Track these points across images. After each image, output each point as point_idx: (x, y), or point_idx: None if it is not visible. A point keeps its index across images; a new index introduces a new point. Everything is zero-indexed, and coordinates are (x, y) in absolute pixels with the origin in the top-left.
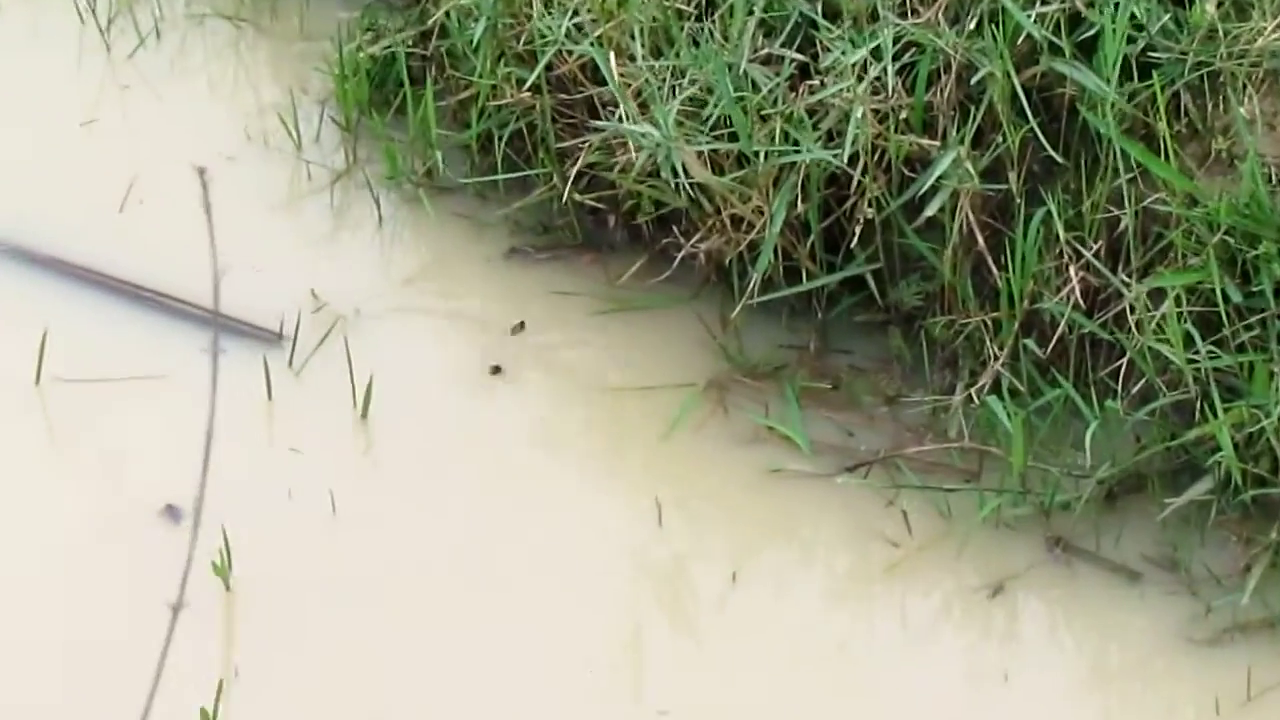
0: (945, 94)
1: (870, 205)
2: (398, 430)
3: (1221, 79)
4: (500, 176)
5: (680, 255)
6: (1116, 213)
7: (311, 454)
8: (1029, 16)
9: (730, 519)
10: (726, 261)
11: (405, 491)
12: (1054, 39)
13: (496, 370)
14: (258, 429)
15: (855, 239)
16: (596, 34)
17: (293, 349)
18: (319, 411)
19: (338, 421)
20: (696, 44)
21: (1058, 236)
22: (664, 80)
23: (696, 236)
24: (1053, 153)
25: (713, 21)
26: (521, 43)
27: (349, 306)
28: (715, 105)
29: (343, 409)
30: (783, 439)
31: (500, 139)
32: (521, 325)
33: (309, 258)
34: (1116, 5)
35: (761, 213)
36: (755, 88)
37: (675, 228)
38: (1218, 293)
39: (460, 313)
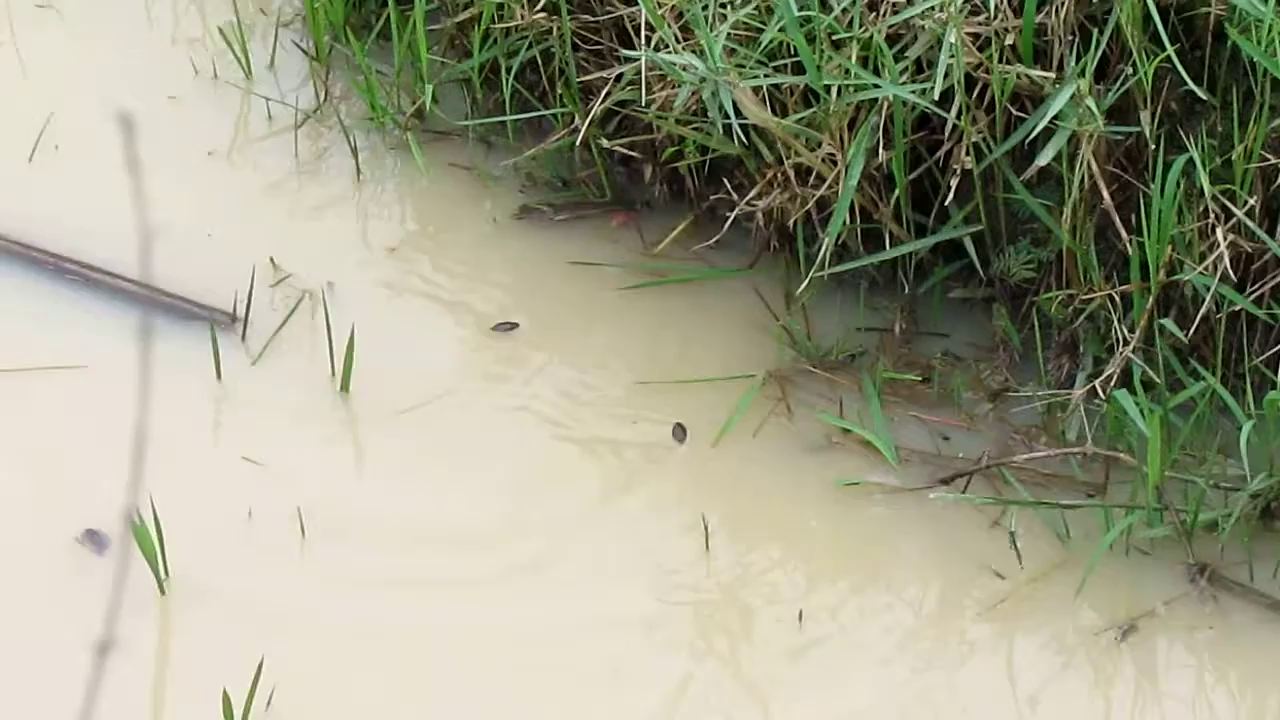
0: (1061, 14)
1: (968, 153)
2: (377, 433)
3: None
4: (509, 118)
5: (733, 216)
6: (1275, 161)
7: (273, 462)
8: None
9: (795, 545)
10: (791, 223)
11: (388, 508)
12: None
13: (503, 360)
14: (204, 430)
15: (950, 195)
16: None
17: (244, 330)
18: (280, 408)
19: (304, 421)
20: None
21: (1202, 191)
22: None
23: (753, 192)
24: (1195, 87)
25: None
26: None
27: (319, 280)
28: (775, 28)
29: (310, 405)
30: (860, 444)
31: (509, 71)
32: (512, 325)
33: (269, 219)
34: None
35: (834, 163)
36: (825, 6)
37: (726, 181)
38: None
39: (458, 289)
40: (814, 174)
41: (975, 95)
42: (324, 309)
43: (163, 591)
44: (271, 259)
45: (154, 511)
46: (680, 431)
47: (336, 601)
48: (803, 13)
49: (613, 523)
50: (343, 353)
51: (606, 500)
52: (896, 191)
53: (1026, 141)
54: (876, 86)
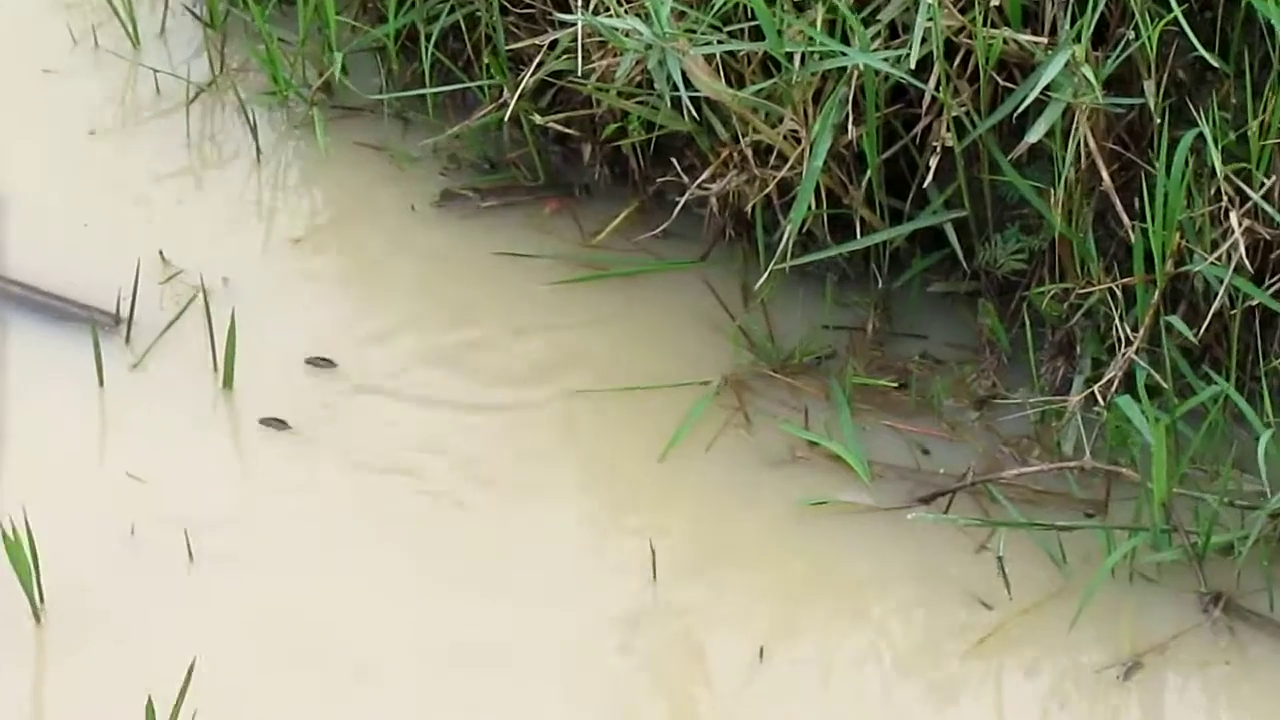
0: None
1: (949, 129)
2: (279, 449)
3: None
4: (429, 90)
5: (683, 201)
6: None
7: (158, 476)
8: None
9: (755, 572)
10: (749, 209)
11: (289, 530)
12: None
13: (417, 363)
14: (83, 443)
15: (929, 177)
16: None
17: (129, 332)
18: (168, 417)
19: (193, 433)
20: None
21: (1213, 170)
22: None
23: (706, 174)
24: (1205, 53)
25: None
26: None
27: (213, 275)
28: None
29: (200, 416)
30: (828, 459)
31: (428, 38)
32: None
33: (157, 207)
34: None
35: (798, 140)
36: None
37: (676, 162)
38: None
39: (371, 284)
40: (775, 153)
41: (957, 63)
42: (206, 307)
43: (38, 620)
44: (160, 252)
45: (28, 531)
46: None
47: (228, 631)
48: None
49: (542, 549)
50: (236, 358)
51: (534, 523)
52: (868, 172)
53: (1015, 115)
54: (844, 54)
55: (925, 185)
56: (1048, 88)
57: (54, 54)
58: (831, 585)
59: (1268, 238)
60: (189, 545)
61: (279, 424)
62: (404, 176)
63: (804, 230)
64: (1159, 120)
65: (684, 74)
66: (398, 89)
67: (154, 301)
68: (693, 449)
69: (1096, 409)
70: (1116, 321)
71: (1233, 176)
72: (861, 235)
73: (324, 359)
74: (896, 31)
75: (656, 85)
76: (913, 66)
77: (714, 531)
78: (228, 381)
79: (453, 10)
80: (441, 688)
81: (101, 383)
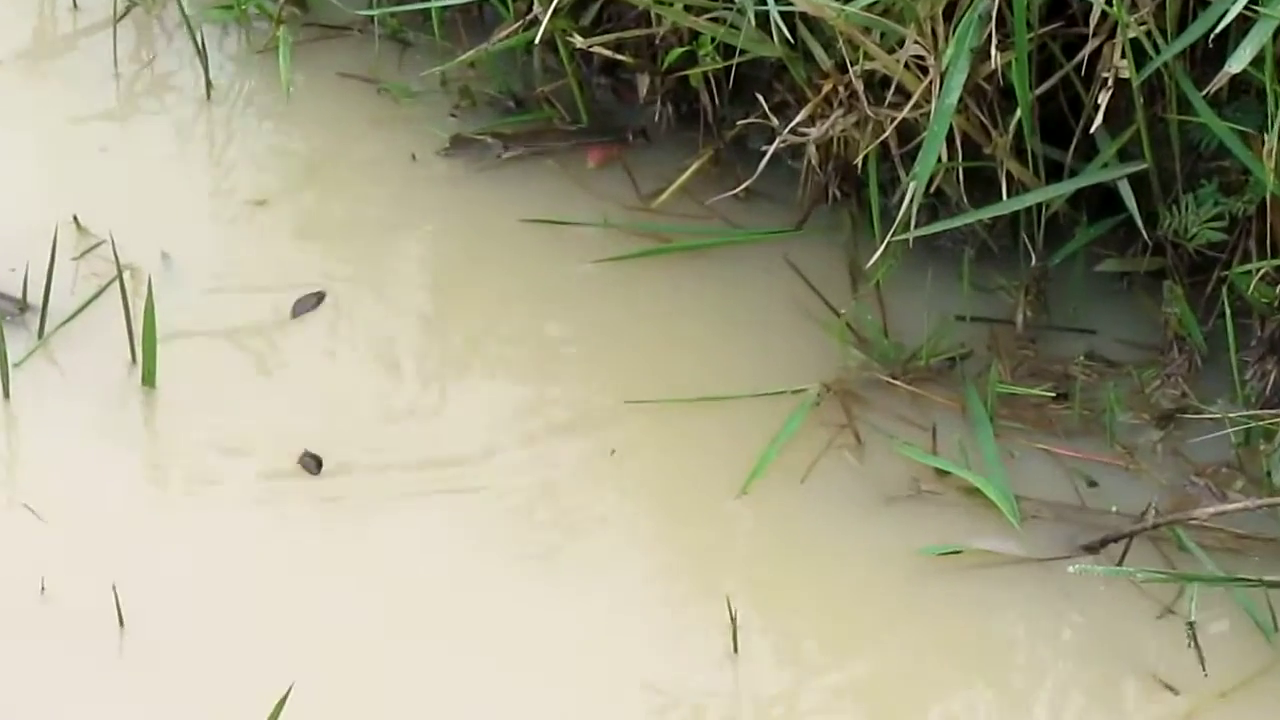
0: None
1: (1126, 55)
2: (223, 468)
3: None
4: (434, 2)
5: (771, 150)
6: None
7: (77, 516)
8: None
9: (864, 644)
10: (859, 162)
11: (226, 584)
12: None
13: (423, 366)
14: None
15: (1099, 118)
16: None
17: (43, 318)
18: (82, 423)
19: (115, 439)
20: None
21: None
22: None
23: (802, 114)
24: None
25: None
26: None
27: (147, 247)
28: None
29: (125, 419)
30: (964, 493)
31: None
32: (318, 298)
33: (74, 160)
34: None
35: (925, 70)
36: None
37: (762, 99)
38: None
39: (358, 259)
40: (894, 87)
41: None
42: (123, 292)
43: None
44: (75, 218)
45: None
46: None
47: None
48: None
49: (587, 614)
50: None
51: (577, 582)
52: (1018, 113)
53: (1212, 36)
54: None
55: (1093, 130)
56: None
57: None
58: (966, 661)
59: None
60: (118, 606)
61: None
62: (401, 117)
63: (932, 190)
64: None
65: None
66: (392, 2)
67: (68, 280)
68: (784, 480)
69: None
70: None
71: None
72: (1008, 196)
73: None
74: None
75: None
76: None
77: (811, 590)
78: (147, 379)
79: None
80: None
81: (6, 393)
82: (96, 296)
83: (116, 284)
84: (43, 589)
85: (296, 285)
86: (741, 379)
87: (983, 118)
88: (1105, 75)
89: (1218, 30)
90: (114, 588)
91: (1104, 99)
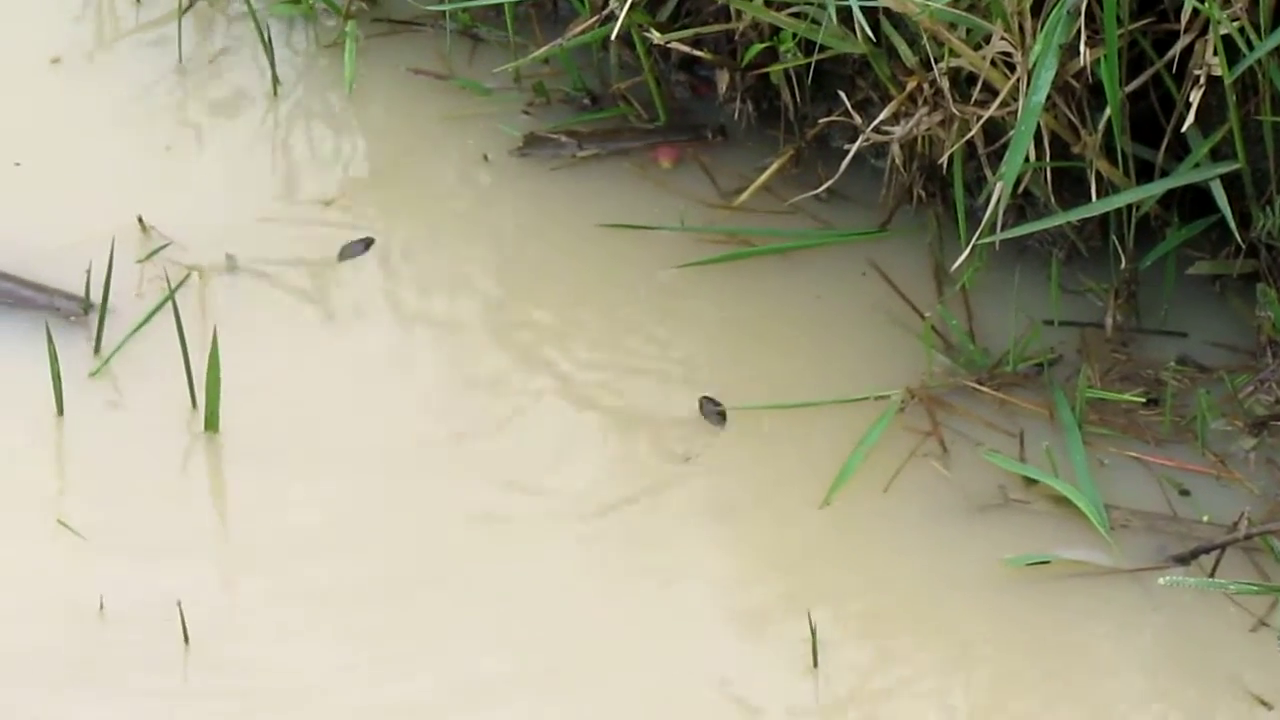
0: None
1: (1218, 51)
2: (285, 484)
3: None
4: None
5: (854, 149)
6: None
7: (128, 544)
8: None
9: (950, 657)
10: (944, 161)
11: (297, 605)
12: None
13: (494, 380)
14: (35, 472)
15: (1190, 116)
16: None
17: (99, 327)
18: (139, 458)
19: (176, 459)
20: None
21: None
22: None
23: (885, 112)
24: None
25: None
26: None
27: (212, 250)
28: None
29: (180, 456)
30: (1053, 501)
31: None
32: (367, 243)
33: (138, 158)
34: None
35: (1012, 67)
36: None
37: (845, 96)
38: None
39: (430, 263)
40: (980, 84)
41: None
42: (186, 302)
43: None
44: (140, 219)
45: None
46: (717, 419)
47: None
48: None
49: (666, 625)
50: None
51: (654, 592)
52: (1108, 111)
53: None
54: None
55: (1184, 129)
56: None
57: None
58: (1054, 674)
59: None
60: (183, 621)
61: None
62: (474, 115)
63: (1020, 190)
64: None
65: None
66: None
67: (130, 286)
68: (867, 489)
69: None
70: None
71: None
72: (1098, 197)
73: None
74: None
75: None
76: None
77: (895, 602)
78: (211, 424)
79: None
80: None
81: (60, 409)
82: (159, 308)
83: (183, 290)
84: (101, 607)
85: (363, 286)
86: (823, 384)
87: (1071, 116)
88: (1197, 72)
89: None
90: (179, 604)
91: (1195, 97)
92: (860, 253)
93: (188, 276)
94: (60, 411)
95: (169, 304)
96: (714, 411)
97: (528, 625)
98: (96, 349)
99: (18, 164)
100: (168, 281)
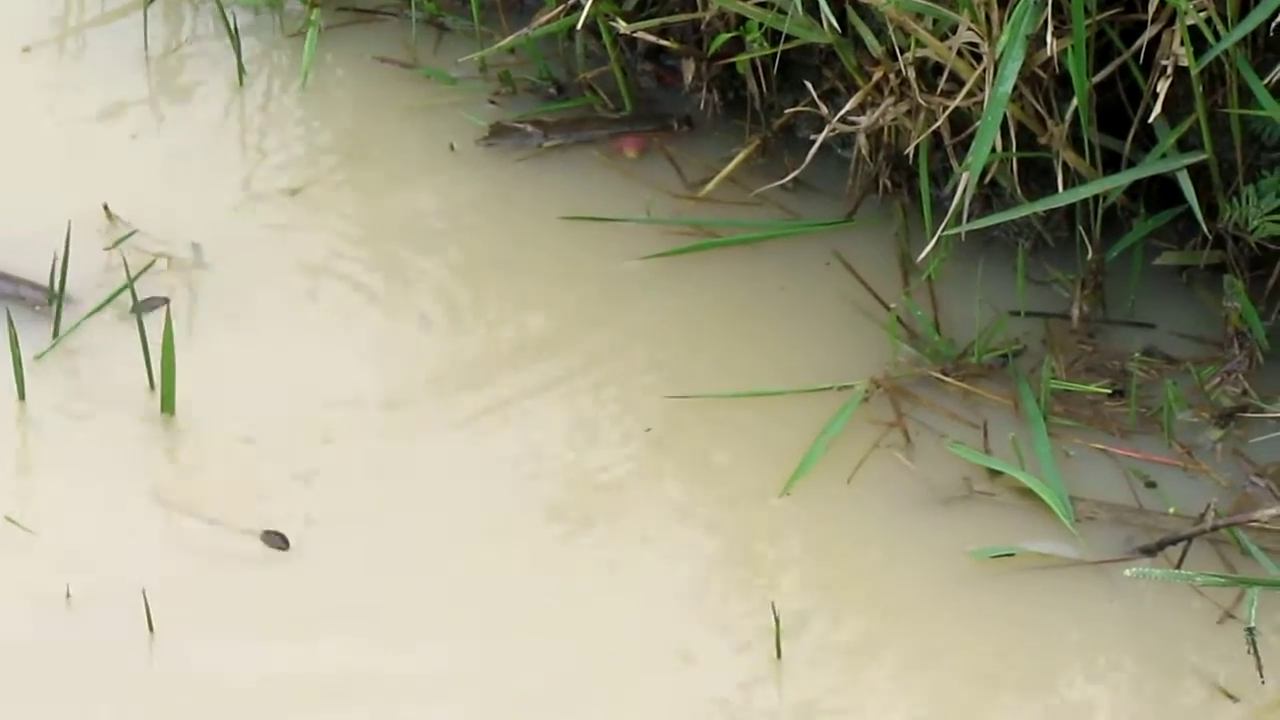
0: None
1: (1185, 42)
2: (250, 488)
3: None
4: None
5: (820, 139)
6: None
7: (84, 532)
8: None
9: (912, 647)
10: (910, 151)
11: (255, 610)
12: None
13: (456, 371)
14: None
15: (1157, 107)
16: None
17: (57, 315)
18: (102, 446)
19: (142, 458)
20: None
21: None
22: None
23: (852, 102)
24: None
25: None
26: None
27: (179, 239)
28: None
29: (154, 432)
30: (1018, 493)
31: None
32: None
33: (106, 146)
34: None
35: (978, 57)
36: None
37: (811, 86)
38: None
39: (392, 252)
40: (946, 74)
41: None
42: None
43: None
44: (105, 207)
45: None
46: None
47: None
48: None
49: (628, 613)
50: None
51: (618, 580)
52: (1075, 101)
53: (1275, 22)
54: None
55: (1151, 120)
56: None
57: None
58: (1019, 667)
59: None
60: (149, 618)
61: (279, 540)
62: (440, 104)
63: (986, 181)
64: None
65: None
66: None
67: (96, 273)
68: (829, 479)
69: None
70: None
71: None
72: (1065, 188)
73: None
74: None
75: None
76: None
77: (858, 593)
78: (167, 406)
79: None
80: None
81: (21, 394)
82: (117, 294)
83: (148, 277)
84: (68, 595)
85: (328, 276)
86: (787, 374)
87: (1038, 106)
88: (1164, 63)
89: None
90: (144, 593)
91: (1163, 87)
92: (826, 243)
93: (152, 263)
94: (21, 396)
95: (138, 283)
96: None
97: (483, 609)
98: (55, 333)
99: (11, 168)
100: (126, 269)
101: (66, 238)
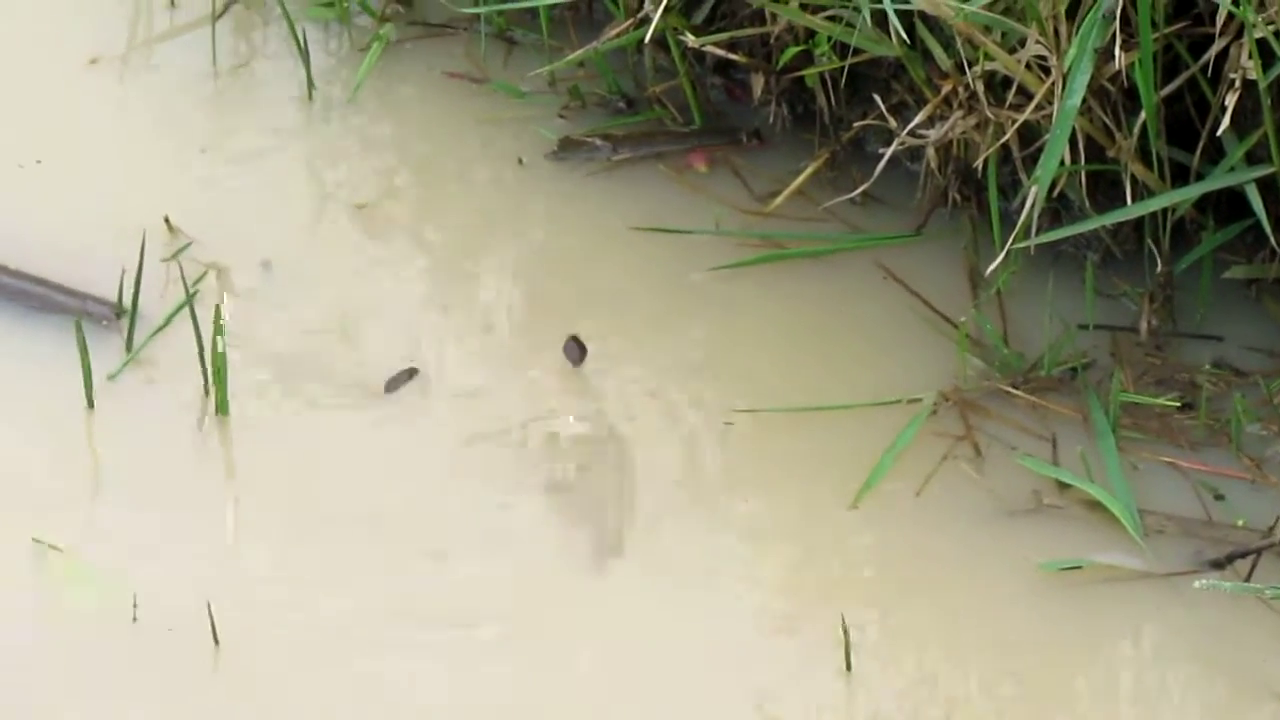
0: None
1: (1254, 55)
2: (320, 512)
3: None
4: (541, 1)
5: (889, 153)
6: None
7: (155, 546)
8: None
9: (983, 661)
10: (979, 165)
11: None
12: None
13: (527, 380)
14: (67, 475)
15: (1226, 119)
16: None
17: (130, 328)
18: (166, 456)
19: (201, 454)
20: None
21: None
22: None
23: (921, 116)
24: None
25: None
26: None
27: (245, 253)
28: None
29: (207, 438)
30: (1086, 506)
31: None
32: (411, 373)
33: (172, 159)
34: None
35: (1047, 70)
36: None
37: (880, 100)
38: None
39: (462, 265)
40: (1015, 88)
41: None
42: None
43: None
44: (167, 219)
45: None
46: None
47: None
48: None
49: (694, 630)
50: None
51: (683, 596)
52: (1143, 115)
53: None
54: None
55: (1220, 132)
56: None
57: None
58: (1088, 679)
59: None
60: (213, 629)
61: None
62: (509, 118)
63: (1055, 194)
64: None
65: None
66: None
67: (158, 286)
68: (898, 492)
69: None
70: None
71: None
72: (1133, 200)
73: (407, 370)
74: None
75: None
76: None
77: (927, 606)
78: (221, 408)
79: None
80: None
81: (90, 403)
82: (188, 301)
83: (208, 289)
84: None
85: (396, 291)
86: (856, 388)
87: (1106, 120)
88: (1232, 76)
89: None
90: (209, 605)
91: (1231, 100)
92: (895, 256)
93: (205, 275)
94: (90, 405)
95: (203, 303)
96: (575, 349)
97: (553, 617)
98: (128, 348)
99: (39, 161)
100: (185, 283)
101: (141, 251)
